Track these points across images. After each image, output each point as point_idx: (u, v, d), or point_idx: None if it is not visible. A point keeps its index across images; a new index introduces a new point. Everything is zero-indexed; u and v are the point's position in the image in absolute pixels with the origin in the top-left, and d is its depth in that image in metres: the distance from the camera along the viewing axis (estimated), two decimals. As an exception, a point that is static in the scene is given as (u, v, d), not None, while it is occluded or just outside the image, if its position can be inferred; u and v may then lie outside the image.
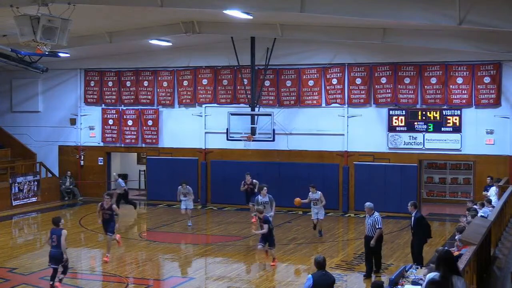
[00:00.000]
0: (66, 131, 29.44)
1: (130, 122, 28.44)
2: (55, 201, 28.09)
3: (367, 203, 15.42)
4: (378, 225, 15.07)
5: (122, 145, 28.82)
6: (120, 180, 25.64)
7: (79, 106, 29.33)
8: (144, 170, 30.18)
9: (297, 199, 20.31)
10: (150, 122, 28.11)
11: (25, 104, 30.13)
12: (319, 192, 20.37)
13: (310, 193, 20.42)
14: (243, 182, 22.98)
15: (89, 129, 29.16)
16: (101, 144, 29.06)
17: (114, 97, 28.75)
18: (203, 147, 27.24)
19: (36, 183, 27.56)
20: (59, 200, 28.38)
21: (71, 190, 28.81)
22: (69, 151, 29.41)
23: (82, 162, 29.26)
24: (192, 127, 27.36)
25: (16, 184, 26.57)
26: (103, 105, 28.98)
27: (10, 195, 26.24)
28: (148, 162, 28.49)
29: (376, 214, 15.22)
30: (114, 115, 28.71)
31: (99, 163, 29.08)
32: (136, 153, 31.02)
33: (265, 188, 19.81)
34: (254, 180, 22.84)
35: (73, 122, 29.34)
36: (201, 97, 27.28)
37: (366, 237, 15.41)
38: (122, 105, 28.64)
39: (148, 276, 16.12)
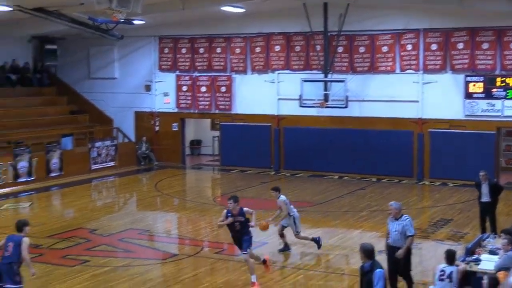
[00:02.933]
0: (141, 97, 29.99)
1: (203, 89, 28.74)
2: (132, 165, 28.80)
3: (393, 203, 11.67)
4: (410, 232, 11.36)
5: (196, 111, 29.18)
6: None
7: (154, 72, 29.79)
8: (217, 136, 30.52)
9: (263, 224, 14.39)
10: (223, 89, 28.33)
11: (102, 71, 30.81)
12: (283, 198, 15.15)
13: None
14: (225, 211, 12.96)
15: (163, 95, 29.62)
16: (175, 110, 29.49)
17: (187, 63, 29.07)
18: (276, 114, 27.32)
19: (113, 148, 28.31)
20: (135, 165, 29.08)
21: (146, 155, 29.45)
22: (144, 117, 29.99)
23: (157, 128, 29.81)
24: (265, 94, 27.42)
25: (95, 149, 27.37)
26: (177, 71, 29.35)
27: (89, 159, 27.07)
28: (222, 128, 28.79)
29: (406, 217, 11.48)
30: (187, 82, 29.07)
31: (174, 129, 29.55)
32: (209, 119, 31.37)
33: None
34: (245, 209, 12.72)
35: (148, 88, 29.84)
36: (274, 63, 27.28)
37: (390, 248, 11.52)
38: (196, 72, 28.94)
39: (222, 240, 16.43)
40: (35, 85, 30.33)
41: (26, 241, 10.42)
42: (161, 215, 19.96)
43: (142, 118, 30.02)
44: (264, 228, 14.17)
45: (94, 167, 27.24)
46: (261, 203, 20.66)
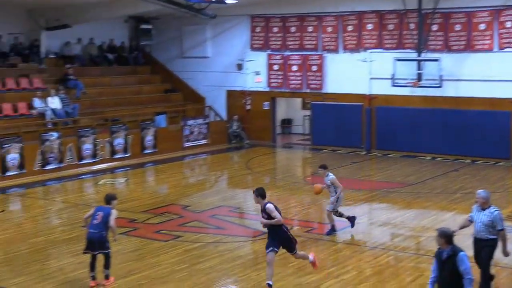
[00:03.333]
0: (233, 76, 30.25)
1: (294, 68, 28.69)
2: (223, 144, 29.17)
3: (482, 192, 10.58)
4: (499, 226, 10.40)
5: (287, 90, 29.19)
6: None
7: (246, 51, 29.96)
8: (308, 115, 30.47)
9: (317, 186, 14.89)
10: (314, 68, 28.19)
11: (194, 50, 31.25)
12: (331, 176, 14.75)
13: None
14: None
15: (255, 74, 29.77)
16: (267, 89, 29.60)
17: (279, 42, 29.07)
18: (368, 93, 26.98)
19: (205, 126, 28.76)
20: (227, 143, 29.45)
21: (238, 134, 29.74)
22: (236, 96, 30.27)
23: (248, 107, 30.03)
24: (356, 73, 27.09)
25: (187, 127, 27.88)
26: (268, 50, 29.40)
27: (182, 137, 27.63)
28: (313, 108, 28.70)
29: (494, 209, 10.45)
30: (279, 61, 29.09)
31: (265, 108, 29.70)
32: (300, 98, 31.35)
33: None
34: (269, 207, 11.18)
35: (239, 67, 30.06)
36: (366, 42, 26.89)
37: (476, 241, 10.67)
38: (287, 51, 28.90)
39: (312, 219, 16.46)
40: (131, 64, 31.15)
41: (114, 212, 11.42)
42: (252, 193, 20.14)
43: (234, 97, 30.31)
44: (319, 191, 14.71)
45: (186, 144, 27.79)
46: (352, 183, 20.53)
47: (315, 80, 28.25)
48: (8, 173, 21.28)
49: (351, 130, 27.27)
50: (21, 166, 21.63)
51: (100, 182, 21.33)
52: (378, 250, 13.65)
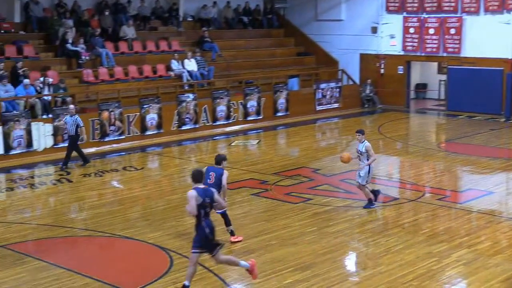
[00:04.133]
0: (367, 40, 29.74)
1: (431, 31, 27.76)
2: (355, 108, 28.91)
3: None
4: None
5: (423, 54, 28.35)
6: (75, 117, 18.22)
7: (381, 14, 29.32)
8: (444, 80, 29.50)
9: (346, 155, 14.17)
10: (452, 31, 27.14)
11: (328, 12, 30.95)
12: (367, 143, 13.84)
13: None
14: None
15: (390, 37, 29.12)
16: (401, 52, 28.89)
17: (416, 4, 28.19)
18: (510, 57, 25.67)
19: (338, 89, 28.58)
20: (359, 107, 29.15)
21: (370, 98, 29.35)
22: (369, 59, 29.79)
23: (382, 71, 29.49)
24: (498, 36, 25.80)
25: (320, 90, 27.83)
26: (404, 13, 28.60)
27: (314, 100, 27.63)
28: (449, 72, 27.73)
29: None
30: (415, 23, 28.24)
31: (399, 72, 29.05)
32: (436, 63, 30.37)
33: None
34: None
35: (374, 30, 29.51)
36: (510, 3, 25.51)
37: None
38: (424, 13, 27.98)
39: (445, 187, 16.04)
40: (265, 27, 31.39)
41: (226, 173, 11.57)
42: (383, 158, 19.88)
43: (368, 61, 29.84)
44: (348, 160, 13.84)
45: (318, 108, 27.77)
46: (489, 151, 19.78)
47: (452, 43, 27.23)
48: (147, 133, 22.23)
49: (490, 96, 26.14)
50: (159, 126, 22.52)
51: (232, 144, 21.82)
52: (515, 221, 13.14)
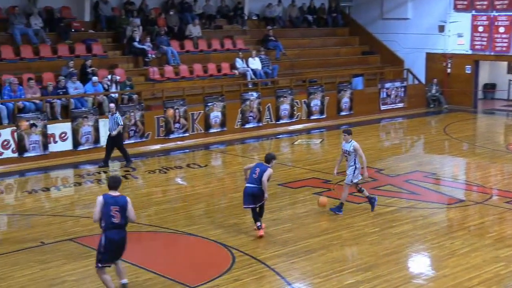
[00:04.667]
0: (434, 38, 29.25)
1: (501, 29, 27.09)
2: (420, 107, 28.49)
3: None
4: None
5: (492, 53, 27.70)
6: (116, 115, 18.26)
7: (448, 12, 28.78)
8: (513, 80, 28.81)
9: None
10: (523, 29, 26.48)
11: (394, 11, 30.57)
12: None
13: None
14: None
15: (457, 36, 28.56)
16: (469, 52, 28.30)
17: (485, 2, 27.55)
18: None
19: (403, 89, 28.20)
20: (424, 107, 28.71)
21: (436, 98, 28.86)
22: (436, 59, 29.28)
23: (448, 70, 28.95)
24: None
25: (384, 90, 27.53)
26: (473, 11, 28.01)
27: (378, 100, 27.35)
28: (519, 72, 27.07)
29: None
30: (484, 22, 27.61)
31: (466, 72, 28.46)
32: (506, 62, 29.63)
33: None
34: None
35: (441, 29, 28.99)
36: None
37: None
38: (494, 11, 27.33)
39: (514, 190, 15.65)
40: (330, 25, 31.24)
41: (269, 170, 11.89)
42: (449, 159, 19.55)
43: (434, 60, 29.34)
44: (324, 205, 13.47)
45: (383, 107, 27.48)
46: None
47: (523, 42, 26.54)
48: (211, 130, 22.43)
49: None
50: (222, 124, 22.70)
51: (296, 142, 21.81)
52: None
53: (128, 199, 9.30)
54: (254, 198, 11.90)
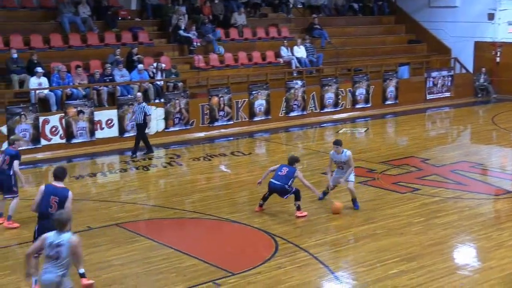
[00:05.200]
0: (483, 27, 28.69)
1: (553, 17, 26.49)
2: (468, 97, 28.01)
3: None
4: None
5: (543, 42, 27.10)
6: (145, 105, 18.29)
7: (498, 0, 28.20)
8: None
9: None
10: None
11: (442, -1, 30.16)
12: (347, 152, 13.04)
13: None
14: None
15: (507, 24, 27.96)
16: (519, 40, 27.76)
17: (536, -10, 26.97)
18: None
19: (450, 78, 27.78)
20: (472, 97, 28.23)
21: (485, 87, 28.35)
22: (485, 47, 28.73)
23: (498, 59, 28.38)
24: None
25: (431, 79, 27.15)
26: (524, -2, 27.46)
27: (424, 89, 27.00)
28: None
29: None
30: (535, 10, 27.04)
31: (516, 61, 27.92)
32: (557, 51, 28.94)
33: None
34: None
35: (491, 17, 28.43)
36: None
37: None
38: (545, -1, 26.74)
39: None
40: (376, 14, 30.91)
41: (299, 172, 12.60)
42: (497, 149, 19.21)
43: (483, 48, 28.79)
44: (339, 210, 12.74)
45: (429, 97, 27.12)
46: None
47: None
48: (255, 119, 22.46)
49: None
50: (267, 112, 22.70)
51: (340, 131, 21.69)
52: None
53: (70, 194, 8.96)
54: (276, 193, 12.65)
